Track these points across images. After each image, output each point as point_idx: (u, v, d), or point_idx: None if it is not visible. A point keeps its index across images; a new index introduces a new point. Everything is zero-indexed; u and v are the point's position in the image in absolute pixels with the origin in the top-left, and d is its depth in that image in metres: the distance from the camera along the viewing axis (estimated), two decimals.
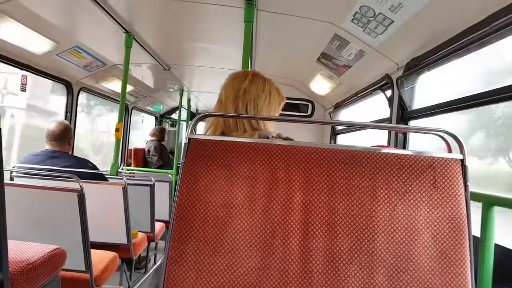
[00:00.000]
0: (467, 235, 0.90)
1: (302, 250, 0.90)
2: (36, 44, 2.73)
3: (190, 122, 0.98)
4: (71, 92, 3.66)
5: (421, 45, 1.91)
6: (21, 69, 2.95)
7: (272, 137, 1.19)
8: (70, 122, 3.65)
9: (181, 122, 6.02)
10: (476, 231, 1.14)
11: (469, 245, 0.90)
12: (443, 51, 1.73)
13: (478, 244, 1.21)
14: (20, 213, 2.01)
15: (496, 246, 1.23)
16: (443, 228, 0.90)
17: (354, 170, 0.93)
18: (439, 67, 1.85)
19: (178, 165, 5.50)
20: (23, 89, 3.14)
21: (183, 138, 6.16)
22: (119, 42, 2.91)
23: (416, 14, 1.71)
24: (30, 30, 2.49)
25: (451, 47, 1.67)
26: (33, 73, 3.07)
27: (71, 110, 3.68)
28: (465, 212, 0.91)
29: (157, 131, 5.76)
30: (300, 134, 4.05)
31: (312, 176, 0.93)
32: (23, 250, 1.50)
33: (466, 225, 0.91)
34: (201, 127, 1.26)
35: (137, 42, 2.99)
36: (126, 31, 2.79)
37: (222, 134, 1.25)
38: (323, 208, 0.91)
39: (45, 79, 3.31)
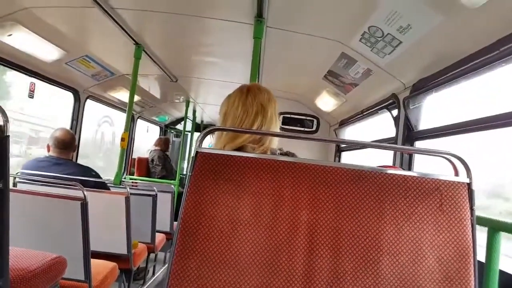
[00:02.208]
0: (472, 260, 0.89)
1: (306, 269, 0.89)
2: (45, 52, 2.77)
3: (198, 135, 0.98)
4: (78, 100, 3.69)
5: (428, 66, 1.92)
6: (30, 76, 2.99)
7: (278, 153, 1.19)
8: (76, 130, 3.68)
9: (186, 133, 6.03)
10: (481, 256, 1.13)
11: (474, 270, 0.89)
12: (451, 73, 1.74)
13: (483, 269, 1.20)
14: (22, 220, 2.00)
15: (501, 272, 1.21)
16: (449, 252, 0.89)
17: (361, 190, 0.93)
18: (447, 89, 1.85)
19: (181, 176, 5.48)
20: (31, 96, 3.16)
21: (188, 149, 6.17)
22: (128, 53, 2.95)
23: (424, 36, 1.72)
24: (41, 38, 2.53)
25: (459, 69, 1.68)
26: (41, 80, 3.10)
27: (77, 118, 3.71)
28: (470, 236, 0.90)
29: (161, 141, 5.75)
30: (305, 149, 4.05)
31: (319, 194, 0.93)
32: (24, 257, 1.49)
33: (472, 249, 0.90)
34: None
35: (146, 53, 3.02)
36: (136, 43, 2.83)
37: (240, 148, 1.22)
38: (328, 227, 0.91)
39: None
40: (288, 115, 4.19)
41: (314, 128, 4.31)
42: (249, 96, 1.29)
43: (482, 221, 1.20)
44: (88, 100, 3.84)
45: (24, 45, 2.56)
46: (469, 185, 0.93)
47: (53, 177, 2.28)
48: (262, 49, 2.52)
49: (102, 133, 5.01)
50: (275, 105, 1.31)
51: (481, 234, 1.09)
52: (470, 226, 0.91)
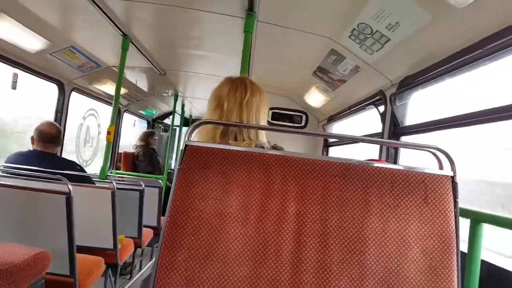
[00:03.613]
0: (455, 251, 0.92)
1: (293, 260, 0.90)
2: (29, 42, 2.69)
3: (187, 128, 0.98)
4: (63, 92, 3.62)
5: (415, 63, 1.94)
6: (13, 67, 2.92)
7: (267, 147, 1.19)
8: (61, 123, 3.61)
9: (174, 127, 5.98)
10: (464, 247, 1.16)
11: (457, 260, 0.92)
12: (437, 70, 1.77)
13: (466, 259, 1.23)
14: (5, 214, 1.97)
15: (483, 262, 1.25)
16: (432, 243, 0.91)
17: (348, 182, 0.94)
18: (432, 86, 1.88)
19: (169, 170, 5.44)
20: (14, 87, 3.10)
21: (176, 144, 6.12)
22: (115, 44, 2.90)
23: (412, 34, 1.75)
24: (24, 27, 2.46)
25: (444, 67, 1.71)
26: (24, 71, 3.03)
27: (61, 110, 3.64)
28: (454, 228, 0.93)
29: (145, 135, 5.59)
30: (293, 144, 4.07)
31: (307, 187, 0.94)
32: (6, 252, 1.46)
33: (455, 240, 0.92)
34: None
35: (134, 45, 2.98)
36: (123, 34, 2.79)
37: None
38: (316, 219, 0.92)
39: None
40: (277, 111, 4.20)
41: (302, 124, 4.33)
42: (229, 97, 1.28)
43: (465, 213, 1.23)
44: (73, 93, 3.78)
45: (7, 34, 2.49)
46: (453, 178, 0.95)
47: (37, 170, 2.24)
48: (252, 43, 2.52)
49: (88, 126, 4.92)
50: (258, 102, 1.30)
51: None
52: (453, 217, 0.93)
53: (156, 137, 5.88)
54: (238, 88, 1.29)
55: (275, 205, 0.92)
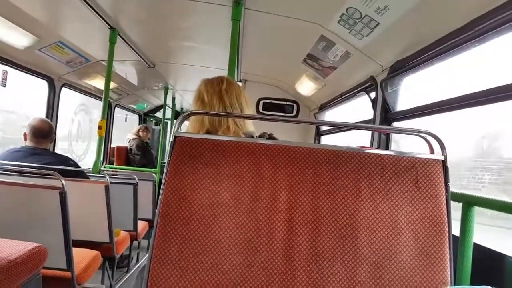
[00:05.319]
0: (447, 234, 0.93)
1: (286, 248, 0.90)
2: (16, 38, 2.66)
3: (176, 120, 0.97)
4: (53, 88, 3.59)
5: (405, 48, 1.94)
6: (2, 64, 2.88)
7: (257, 136, 1.20)
8: (52, 119, 3.58)
9: (165, 120, 5.95)
10: (456, 230, 1.17)
11: (449, 243, 0.93)
12: (427, 54, 1.76)
13: (458, 242, 1.24)
14: (0, 211, 1.96)
15: (475, 245, 1.26)
16: (424, 227, 0.92)
17: (339, 169, 0.95)
18: (423, 70, 1.88)
19: (162, 164, 5.44)
20: (4, 85, 3.06)
21: (168, 137, 6.13)
22: (103, 38, 2.87)
23: (401, 17, 1.74)
24: (11, 23, 2.43)
25: (435, 50, 1.70)
26: (13, 67, 2.99)
27: (52, 106, 3.61)
28: (445, 211, 0.94)
29: (139, 129, 5.68)
30: (285, 134, 4.04)
31: (297, 175, 0.94)
32: (2, 247, 1.46)
33: (446, 224, 0.93)
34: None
35: (122, 38, 2.95)
36: (111, 27, 2.75)
37: (207, 132, 1.27)
38: (307, 206, 0.92)
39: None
40: (268, 101, 4.17)
41: (294, 113, 4.31)
42: (206, 89, 1.36)
43: (457, 197, 1.24)
44: (63, 88, 3.74)
45: None
46: (443, 161, 0.96)
47: (30, 167, 2.23)
48: (241, 32, 2.49)
49: (79, 121, 4.89)
50: (237, 90, 1.37)
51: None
52: (445, 201, 0.94)
53: (149, 131, 5.89)
54: (214, 82, 1.37)
55: (266, 194, 0.93)
